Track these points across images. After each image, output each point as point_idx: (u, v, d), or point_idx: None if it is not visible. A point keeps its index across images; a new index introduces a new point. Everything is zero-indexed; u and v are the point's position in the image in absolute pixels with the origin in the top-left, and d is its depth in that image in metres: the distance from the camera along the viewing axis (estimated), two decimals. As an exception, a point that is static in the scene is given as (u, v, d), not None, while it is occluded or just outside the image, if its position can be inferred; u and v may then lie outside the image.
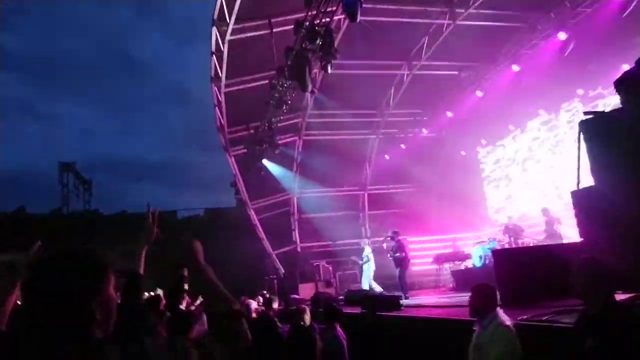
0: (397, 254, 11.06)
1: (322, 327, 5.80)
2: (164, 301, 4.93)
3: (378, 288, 11.57)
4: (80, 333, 1.21)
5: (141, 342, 1.26)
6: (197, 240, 1.78)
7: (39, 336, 1.20)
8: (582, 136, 5.69)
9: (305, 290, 13.44)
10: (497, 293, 4.15)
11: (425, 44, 13.99)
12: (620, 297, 2.80)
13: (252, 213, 17.46)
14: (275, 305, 8.24)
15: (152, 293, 10.37)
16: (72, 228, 24.98)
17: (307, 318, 5.92)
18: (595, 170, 5.34)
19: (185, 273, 4.12)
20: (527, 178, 15.04)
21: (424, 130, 17.13)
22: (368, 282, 11.94)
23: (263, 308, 7.85)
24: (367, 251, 12.37)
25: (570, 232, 9.58)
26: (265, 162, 15.82)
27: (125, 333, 1.26)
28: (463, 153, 17.67)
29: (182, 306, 5.01)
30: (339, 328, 5.57)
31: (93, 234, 25.17)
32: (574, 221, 5.82)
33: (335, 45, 10.27)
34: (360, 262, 12.51)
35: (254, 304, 7.85)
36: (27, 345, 1.20)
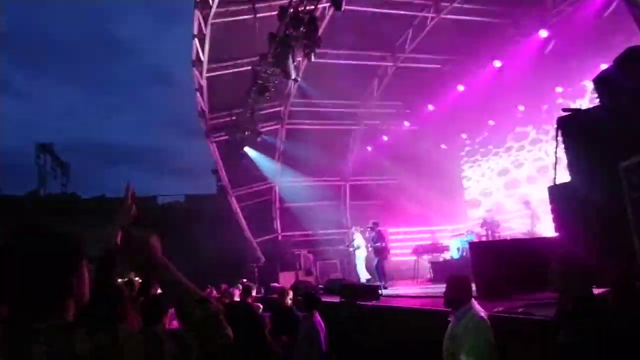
0: (377, 244, 11.16)
1: (302, 314, 5.85)
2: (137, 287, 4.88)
3: (366, 275, 11.69)
4: (55, 309, 1.20)
5: (114, 329, 1.22)
6: (153, 234, 1.54)
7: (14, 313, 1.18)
8: (560, 132, 5.79)
9: (286, 279, 13.46)
10: (473, 285, 4.23)
11: (409, 37, 14.01)
12: (594, 292, 2.86)
13: (233, 201, 17.37)
14: (254, 292, 8.26)
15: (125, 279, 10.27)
16: (49, 211, 24.48)
17: (289, 300, 5.99)
18: (571, 167, 5.44)
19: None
20: (505, 173, 15.28)
21: (406, 123, 17.23)
22: (363, 268, 12.04)
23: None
24: (358, 239, 12.45)
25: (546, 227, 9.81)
26: (247, 149, 15.71)
27: (96, 318, 1.23)
28: (444, 147, 17.84)
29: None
30: (317, 316, 5.63)
31: (70, 217, 24.71)
32: (550, 216, 5.93)
33: (319, 33, 10.20)
34: (351, 249, 12.58)
35: (237, 293, 7.88)
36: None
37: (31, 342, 1.11)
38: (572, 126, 5.56)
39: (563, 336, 2.51)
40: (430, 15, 12.89)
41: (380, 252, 11.04)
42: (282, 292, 6.12)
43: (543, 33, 11.54)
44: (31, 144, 27.87)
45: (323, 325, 5.57)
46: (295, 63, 10.67)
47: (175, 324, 2.47)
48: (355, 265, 12.55)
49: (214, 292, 12.08)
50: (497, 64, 12.89)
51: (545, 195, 5.62)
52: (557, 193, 5.81)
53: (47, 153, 27.04)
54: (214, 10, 11.54)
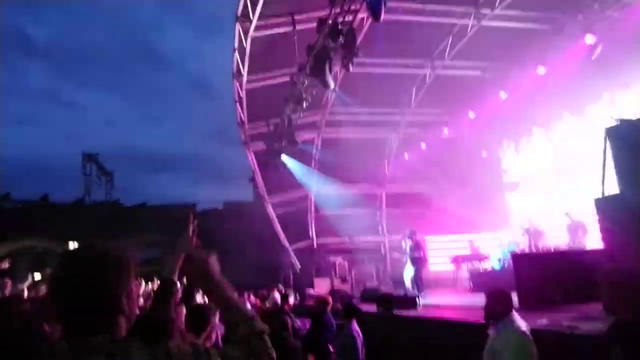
0: (415, 254, 11.03)
1: (340, 323, 5.87)
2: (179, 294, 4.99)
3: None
4: (108, 325, 1.25)
5: (165, 344, 1.29)
6: (212, 255, 1.66)
7: (70, 327, 1.24)
8: (608, 143, 5.61)
9: (321, 285, 13.53)
10: (514, 297, 4.14)
11: (449, 44, 13.86)
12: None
13: (270, 208, 17.59)
14: (292, 300, 8.35)
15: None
16: (94, 218, 25.49)
17: (329, 308, 6.03)
18: (620, 178, 5.26)
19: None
20: (549, 181, 14.82)
21: (445, 131, 17.00)
22: (410, 278, 11.80)
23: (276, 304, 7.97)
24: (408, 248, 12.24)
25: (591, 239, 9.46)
26: (284, 158, 15.90)
27: (147, 334, 1.29)
28: (484, 154, 17.49)
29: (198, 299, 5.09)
30: (355, 325, 5.63)
31: (114, 224, 25.66)
32: (595, 228, 5.75)
33: (358, 43, 10.25)
34: (404, 258, 12.34)
35: (278, 297, 8.00)
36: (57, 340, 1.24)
37: (90, 355, 1.16)
38: (621, 136, 5.39)
39: (618, 351, 2.43)
40: (470, 22, 12.71)
41: (418, 261, 10.91)
42: (323, 301, 6.16)
43: (589, 39, 11.18)
44: (78, 152, 29.18)
45: (360, 334, 5.57)
46: (332, 73, 10.75)
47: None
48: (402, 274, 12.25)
49: (252, 297, 12.27)
50: (542, 70, 12.57)
51: (587, 207, 5.44)
52: (605, 205, 5.63)
53: (92, 162, 28.23)
54: (254, 24, 11.80)
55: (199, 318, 3.72)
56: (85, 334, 1.20)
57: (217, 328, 3.77)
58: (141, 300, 4.87)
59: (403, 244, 12.13)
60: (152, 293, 5.16)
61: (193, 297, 4.73)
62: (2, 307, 3.21)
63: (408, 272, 11.70)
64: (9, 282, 6.66)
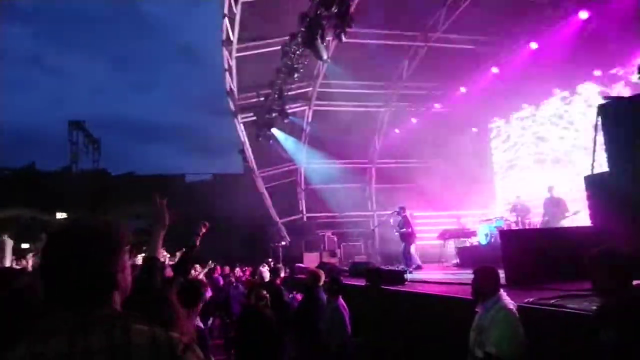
0: (403, 229, 11.08)
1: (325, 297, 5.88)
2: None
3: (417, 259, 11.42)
4: (105, 300, 1.22)
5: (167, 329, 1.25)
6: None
7: (64, 300, 1.21)
8: (599, 120, 5.57)
9: (310, 260, 13.58)
10: (501, 275, 4.14)
11: (442, 16, 13.62)
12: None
13: (260, 181, 17.51)
14: (282, 274, 8.36)
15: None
16: (81, 187, 25.21)
17: (321, 283, 6.04)
18: (611, 155, 5.24)
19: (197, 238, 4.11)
20: (538, 158, 14.86)
21: (436, 105, 16.88)
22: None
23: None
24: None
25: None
26: (274, 130, 15.74)
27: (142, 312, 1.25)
28: (474, 130, 17.46)
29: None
30: (341, 300, 5.65)
31: (102, 193, 25.44)
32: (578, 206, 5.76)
33: (351, 12, 10.01)
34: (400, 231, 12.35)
35: (265, 272, 8.00)
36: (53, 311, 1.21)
37: (89, 329, 1.14)
38: (613, 113, 5.34)
39: (606, 335, 2.42)
40: (465, -7, 12.46)
41: (406, 237, 10.96)
42: (315, 275, 6.15)
43: (583, 14, 11.03)
44: (64, 120, 28.62)
45: (346, 308, 5.59)
46: (325, 43, 10.53)
47: None
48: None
49: (239, 272, 12.30)
50: (534, 45, 12.43)
51: (576, 185, 5.44)
52: (594, 182, 5.63)
53: (79, 130, 27.74)
54: (244, -12, 11.45)
55: (191, 293, 3.71)
56: (83, 309, 1.18)
57: None
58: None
59: (391, 219, 12.17)
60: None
61: (187, 272, 4.63)
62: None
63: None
64: None
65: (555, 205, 10.83)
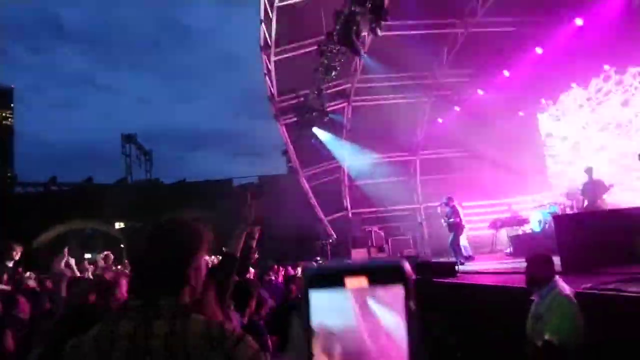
0: (451, 220, 10.90)
1: None
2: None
3: (467, 247, 11.26)
4: (174, 293, 1.34)
5: (222, 325, 1.39)
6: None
7: (140, 290, 1.37)
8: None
9: (358, 256, 13.63)
10: (557, 260, 4.04)
11: (480, 0, 13.26)
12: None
13: (304, 180, 17.69)
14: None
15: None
16: (136, 197, 26.37)
17: None
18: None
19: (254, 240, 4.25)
20: (590, 139, 14.22)
21: (480, 91, 16.44)
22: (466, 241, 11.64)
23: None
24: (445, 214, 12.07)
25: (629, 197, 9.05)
26: (315, 129, 15.85)
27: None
28: (521, 114, 16.89)
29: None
30: None
31: (155, 202, 26.51)
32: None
33: (385, 6, 9.95)
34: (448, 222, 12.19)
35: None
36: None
37: (155, 316, 1.28)
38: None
39: None
40: (502, -25, 12.09)
41: (454, 227, 10.77)
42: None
43: (631, -17, 10.46)
44: (116, 134, 30.02)
45: None
46: (360, 39, 10.53)
47: None
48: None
49: (288, 269, 12.49)
50: (579, 22, 11.87)
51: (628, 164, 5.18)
52: (651, 160, 5.35)
53: (131, 142, 29.02)
54: (279, -8, 11.62)
55: (243, 293, 3.86)
56: (154, 299, 1.31)
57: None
58: None
59: (439, 210, 11.98)
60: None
61: (247, 271, 4.77)
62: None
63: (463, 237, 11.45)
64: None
65: (594, 186, 10.37)
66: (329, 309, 0.50)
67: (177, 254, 1.37)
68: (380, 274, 0.52)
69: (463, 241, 11.25)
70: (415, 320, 0.53)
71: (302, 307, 0.50)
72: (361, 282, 0.51)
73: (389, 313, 0.52)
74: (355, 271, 0.51)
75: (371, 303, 0.51)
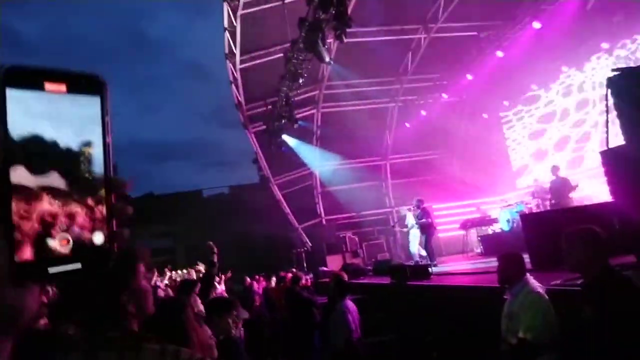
0: (423, 221, 11.01)
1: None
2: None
3: (424, 253, 11.46)
4: (113, 325, 1.25)
5: (178, 348, 1.27)
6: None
7: (76, 328, 1.29)
8: (610, 93, 5.48)
9: (333, 262, 13.59)
10: (526, 259, 4.11)
11: (441, 5, 13.56)
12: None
13: (275, 189, 17.58)
14: (303, 282, 8.38)
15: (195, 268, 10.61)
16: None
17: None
18: (625, 129, 5.15)
19: (214, 257, 4.20)
20: (552, 138, 14.68)
21: (444, 95, 16.78)
22: (417, 247, 11.81)
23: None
24: (410, 217, 12.24)
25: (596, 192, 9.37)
26: (285, 137, 15.80)
27: (161, 333, 1.30)
28: (485, 116, 17.31)
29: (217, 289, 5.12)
30: (347, 301, 5.47)
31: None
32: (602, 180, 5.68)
33: (349, 13, 10.04)
34: (405, 229, 12.36)
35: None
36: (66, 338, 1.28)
37: (103, 349, 1.18)
38: (623, 85, 5.25)
39: (586, 311, 2.43)
40: (461, -19, 12.40)
41: (426, 229, 10.89)
42: (336, 277, 6.13)
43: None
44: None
45: (353, 310, 5.42)
46: (326, 46, 10.57)
47: None
48: (408, 245, 12.27)
49: (262, 281, 12.38)
50: (537, 25, 12.29)
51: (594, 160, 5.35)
52: (610, 157, 5.54)
53: (95, 156, 28.21)
54: (242, 1, 11.57)
55: (220, 308, 3.79)
56: (99, 330, 1.22)
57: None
58: (161, 291, 4.94)
59: (402, 212, 12.11)
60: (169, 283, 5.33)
61: (210, 289, 4.69)
62: None
63: (413, 242, 11.75)
64: None
65: (561, 185, 10.68)
66: (27, 111, 0.47)
67: (115, 277, 1.28)
68: (78, 83, 0.51)
69: (413, 248, 11.49)
70: (110, 134, 0.53)
71: None
72: (60, 88, 0.49)
73: (85, 123, 0.51)
74: (55, 76, 0.49)
75: (67, 110, 0.50)
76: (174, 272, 15.31)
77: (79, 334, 1.27)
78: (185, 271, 14.82)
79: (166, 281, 10.99)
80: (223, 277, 9.19)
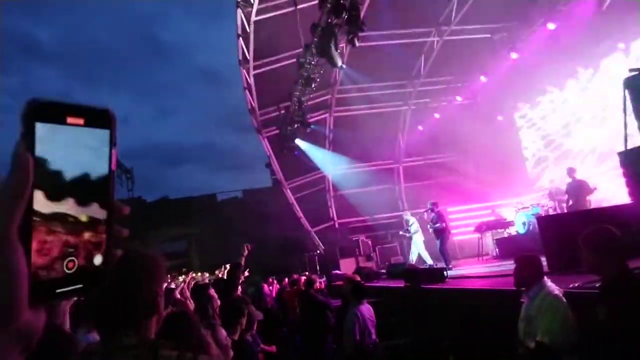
0: (437, 225, 10.96)
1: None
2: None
3: (429, 259, 11.46)
4: (138, 327, 1.27)
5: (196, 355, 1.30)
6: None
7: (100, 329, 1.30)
8: (627, 94, 5.42)
9: (346, 265, 13.56)
10: (544, 260, 4.06)
11: (454, 8, 13.52)
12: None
13: (288, 192, 17.64)
14: (317, 285, 8.39)
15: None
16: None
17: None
18: (644, 129, 5.09)
19: (244, 256, 4.23)
20: (568, 139, 14.50)
21: (458, 98, 16.70)
22: (417, 252, 11.82)
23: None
24: (413, 222, 12.23)
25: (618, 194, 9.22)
26: (298, 141, 15.86)
27: (175, 338, 1.31)
28: (500, 118, 17.17)
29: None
30: (362, 306, 5.46)
31: (139, 220, 26.11)
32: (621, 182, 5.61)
33: (362, 17, 10.07)
34: (408, 234, 12.38)
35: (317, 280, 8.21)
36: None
37: (119, 356, 1.20)
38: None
39: (599, 312, 2.40)
40: (474, -17, 12.35)
41: (441, 233, 10.83)
42: (351, 281, 6.14)
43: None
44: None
45: (365, 314, 5.40)
46: (339, 50, 10.61)
47: None
48: (411, 251, 12.29)
49: (275, 283, 12.43)
50: (551, 26, 12.18)
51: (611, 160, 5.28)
52: (629, 158, 5.48)
53: (111, 161, 28.49)
54: (255, 7, 11.66)
55: (233, 311, 3.81)
56: (117, 335, 1.23)
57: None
58: (177, 294, 4.98)
59: (425, 216, 12.08)
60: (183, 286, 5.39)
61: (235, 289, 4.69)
62: None
63: (416, 246, 11.73)
64: None
65: (578, 187, 10.53)
66: (50, 142, 0.51)
67: (138, 286, 1.29)
68: (94, 117, 0.55)
69: (421, 252, 11.48)
70: (115, 164, 0.58)
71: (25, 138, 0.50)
72: (79, 121, 0.54)
73: (97, 153, 0.56)
74: (76, 111, 0.54)
75: (83, 142, 0.54)
76: (188, 276, 15.41)
77: (99, 340, 1.28)
78: (201, 274, 14.92)
79: (181, 284, 11.06)
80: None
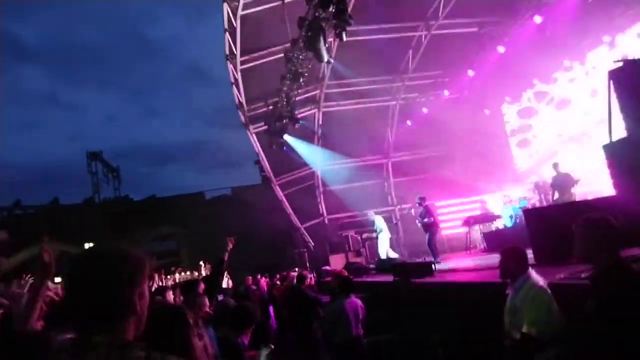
0: (426, 219, 11.00)
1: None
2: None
3: (395, 256, 11.57)
4: (113, 326, 1.24)
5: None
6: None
7: (73, 327, 1.27)
8: (612, 86, 5.46)
9: (336, 261, 13.57)
10: (529, 253, 4.08)
11: (442, 2, 13.53)
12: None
13: (278, 189, 17.59)
14: (308, 281, 8.38)
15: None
16: (105, 216, 25.67)
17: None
18: (627, 122, 5.13)
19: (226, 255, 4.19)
20: (554, 133, 14.61)
21: (446, 92, 16.75)
22: (385, 251, 11.94)
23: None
24: (378, 221, 12.36)
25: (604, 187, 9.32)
26: (286, 137, 15.80)
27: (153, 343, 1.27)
28: (487, 112, 17.26)
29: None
30: (351, 299, 5.48)
31: (126, 219, 25.88)
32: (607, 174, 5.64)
33: (349, 11, 10.02)
34: (374, 234, 12.50)
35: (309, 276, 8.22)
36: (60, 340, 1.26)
37: (87, 355, 1.17)
38: (625, 77, 5.23)
39: (590, 305, 2.39)
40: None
41: (430, 227, 10.87)
42: (339, 276, 6.14)
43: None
44: (82, 153, 29.16)
45: (355, 307, 5.42)
46: (326, 45, 10.56)
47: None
48: (379, 250, 12.40)
49: (263, 279, 12.41)
50: (538, 19, 12.26)
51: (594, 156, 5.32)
52: (613, 150, 5.52)
53: (97, 160, 28.22)
54: (242, 1, 11.56)
55: (244, 317, 3.78)
56: (90, 333, 1.21)
57: None
58: (170, 295, 4.92)
59: (370, 217, 12.25)
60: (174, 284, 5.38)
61: (219, 285, 4.65)
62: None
63: (383, 245, 11.84)
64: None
65: (562, 180, 10.64)
66: None
67: (115, 284, 1.25)
68: None
69: (388, 249, 11.61)
70: None
71: None
72: None
73: None
74: None
75: None
76: (177, 275, 15.34)
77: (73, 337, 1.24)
78: (189, 273, 14.83)
79: (170, 282, 11.01)
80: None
